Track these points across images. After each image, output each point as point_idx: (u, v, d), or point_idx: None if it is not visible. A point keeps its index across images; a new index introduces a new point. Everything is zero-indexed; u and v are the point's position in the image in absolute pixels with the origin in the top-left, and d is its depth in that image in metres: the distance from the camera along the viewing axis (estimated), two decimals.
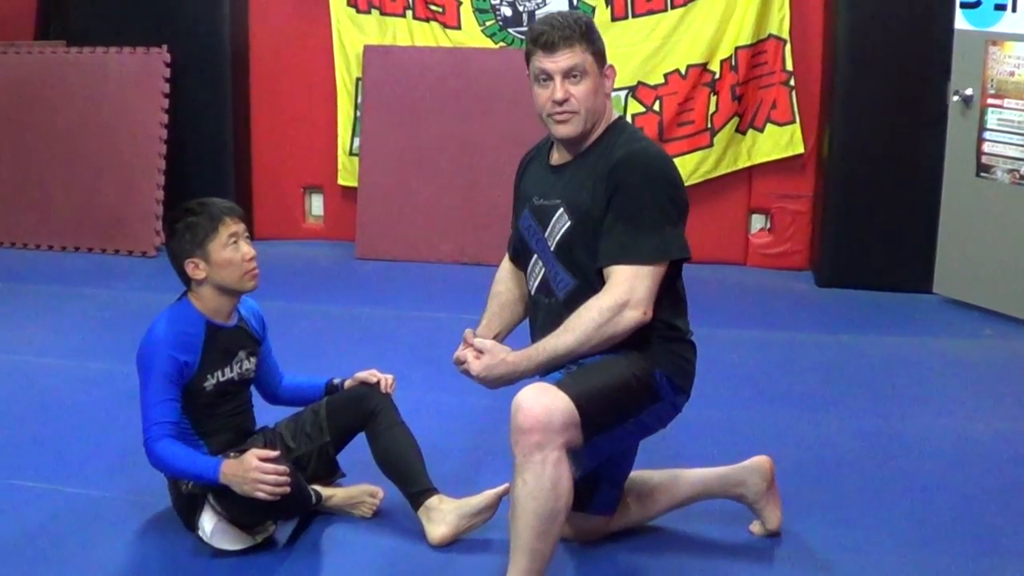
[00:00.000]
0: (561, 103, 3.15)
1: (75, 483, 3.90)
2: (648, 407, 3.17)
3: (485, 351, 3.10)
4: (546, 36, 3.14)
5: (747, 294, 6.71)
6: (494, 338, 3.37)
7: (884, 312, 6.33)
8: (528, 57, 3.22)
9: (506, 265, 3.58)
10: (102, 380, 4.91)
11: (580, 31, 3.15)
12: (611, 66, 3.26)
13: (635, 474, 3.54)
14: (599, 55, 3.20)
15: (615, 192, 3.11)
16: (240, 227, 3.52)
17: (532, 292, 3.36)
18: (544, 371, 3.10)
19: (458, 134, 7.19)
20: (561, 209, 3.21)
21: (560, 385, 3.00)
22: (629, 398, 3.11)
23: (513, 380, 3.10)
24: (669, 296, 3.18)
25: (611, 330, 3.05)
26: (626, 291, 3.06)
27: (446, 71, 7.22)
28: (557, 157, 3.32)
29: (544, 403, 2.93)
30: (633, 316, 3.06)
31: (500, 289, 3.55)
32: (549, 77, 3.17)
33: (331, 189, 7.67)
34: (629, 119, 6.99)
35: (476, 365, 3.09)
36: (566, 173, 3.26)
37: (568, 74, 3.15)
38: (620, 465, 3.44)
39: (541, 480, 2.92)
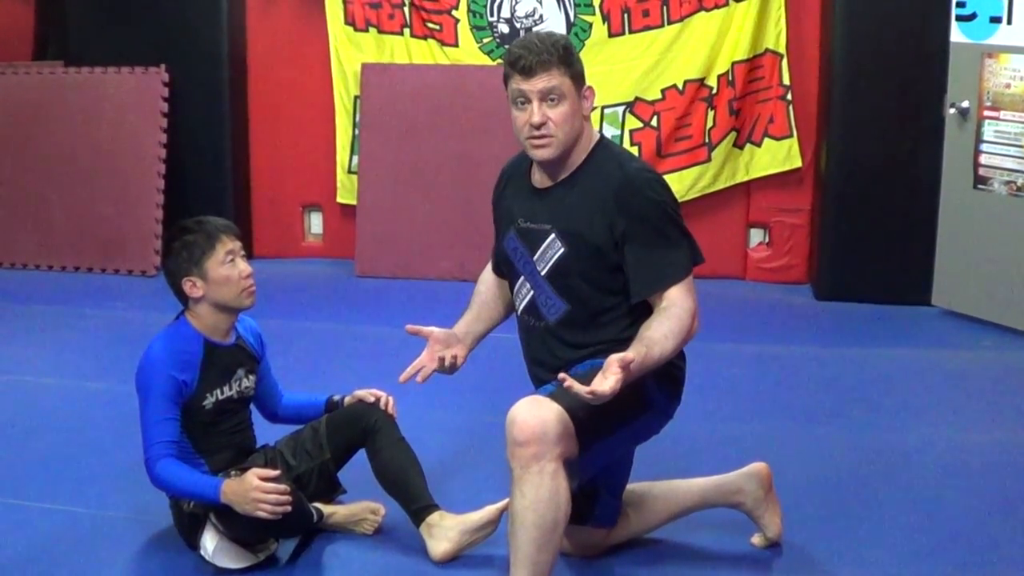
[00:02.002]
0: (539, 127, 3.14)
1: (76, 502, 3.90)
2: (641, 415, 3.18)
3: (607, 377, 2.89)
4: (523, 60, 3.12)
5: (746, 308, 6.71)
6: (471, 340, 3.46)
7: (883, 324, 6.33)
8: (506, 80, 3.20)
9: (490, 274, 3.62)
10: (102, 400, 4.91)
11: (558, 54, 3.14)
12: (590, 87, 3.25)
13: (633, 486, 3.54)
14: (577, 77, 3.19)
15: (630, 221, 3.12)
16: (236, 245, 3.53)
17: (519, 312, 3.37)
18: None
19: (456, 151, 7.21)
20: (553, 235, 3.21)
21: (553, 397, 3.02)
22: (622, 407, 3.11)
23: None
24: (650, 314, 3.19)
25: (688, 337, 3.11)
26: (692, 301, 3.11)
27: (444, 88, 7.23)
28: (539, 179, 3.31)
29: (538, 415, 2.94)
30: (697, 326, 3.13)
31: (481, 289, 3.60)
32: (527, 100, 3.15)
33: (330, 207, 7.68)
34: (627, 135, 7.05)
35: (604, 392, 2.87)
36: (554, 197, 3.26)
37: (545, 97, 3.14)
38: (617, 475, 3.44)
39: (539, 492, 2.93)
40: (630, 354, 2.88)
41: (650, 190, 3.17)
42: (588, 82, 3.26)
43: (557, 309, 3.23)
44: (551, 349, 3.27)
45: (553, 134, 3.15)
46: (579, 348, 3.22)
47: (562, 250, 3.20)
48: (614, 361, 2.85)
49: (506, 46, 7.15)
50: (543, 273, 3.23)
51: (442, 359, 3.38)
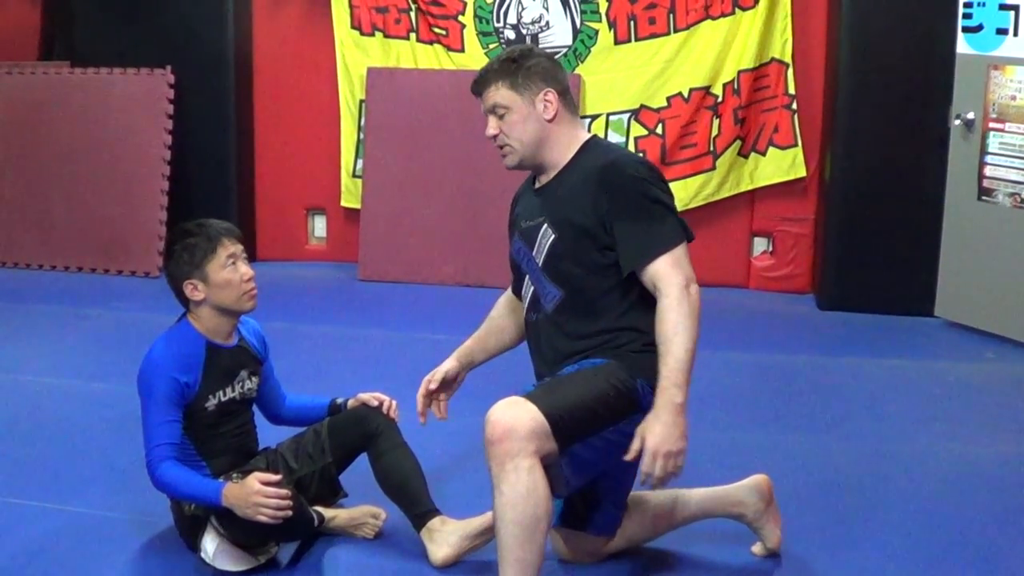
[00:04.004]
0: (493, 138, 3.34)
1: (77, 502, 3.90)
2: (629, 416, 3.17)
3: (646, 438, 3.04)
4: (472, 84, 3.37)
5: (749, 317, 6.71)
6: (468, 364, 3.61)
7: (886, 335, 6.33)
8: None
9: (506, 294, 3.66)
10: (104, 400, 4.91)
11: (495, 69, 3.33)
12: (550, 91, 3.33)
13: (634, 495, 3.53)
14: (523, 85, 3.30)
15: (613, 198, 3.19)
16: (238, 248, 3.53)
17: (525, 312, 3.42)
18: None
19: (461, 156, 7.21)
20: (545, 225, 3.29)
21: (529, 397, 3.05)
22: (605, 407, 3.12)
23: (683, 417, 3.08)
24: (649, 302, 3.21)
25: (695, 310, 3.12)
26: (680, 274, 3.14)
27: (449, 94, 7.23)
28: (537, 182, 3.43)
29: (510, 414, 2.98)
30: (696, 289, 3.16)
31: (492, 315, 3.67)
32: (486, 116, 3.35)
33: (334, 211, 7.69)
34: (632, 142, 7.04)
35: (661, 445, 3.03)
36: (547, 193, 3.35)
37: (493, 111, 3.32)
38: (621, 483, 3.43)
39: (516, 488, 2.95)
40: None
41: (631, 168, 3.25)
42: (583, 87, 3.39)
43: (553, 297, 3.28)
44: (550, 340, 3.31)
45: (507, 143, 3.34)
46: (577, 339, 3.26)
47: (553, 237, 3.26)
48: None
49: None
50: (540, 263, 3.30)
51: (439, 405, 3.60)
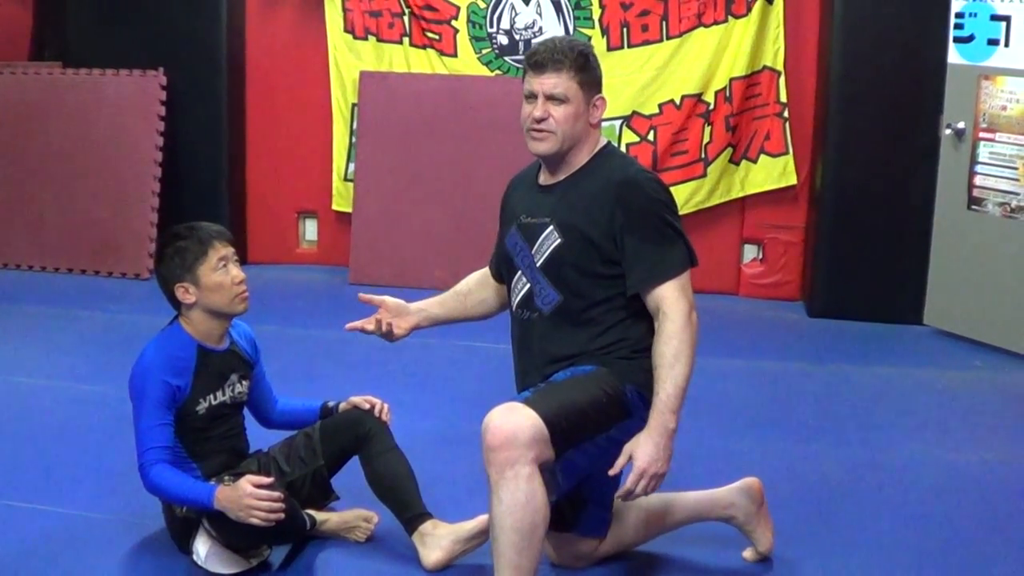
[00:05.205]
0: (539, 121, 3.25)
1: (68, 504, 3.90)
2: (619, 422, 3.19)
3: (636, 455, 3.08)
4: (537, 56, 3.26)
5: (739, 324, 6.72)
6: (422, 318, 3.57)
7: (875, 343, 6.35)
8: (524, 74, 3.33)
9: (482, 271, 3.70)
10: (95, 402, 4.91)
11: (571, 58, 3.24)
12: (602, 98, 3.34)
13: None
14: (588, 84, 3.28)
15: (628, 215, 3.19)
16: (229, 251, 3.53)
17: (514, 307, 3.41)
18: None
19: (453, 161, 7.21)
20: (551, 227, 3.27)
21: (528, 402, 3.06)
22: (599, 413, 3.15)
23: (671, 443, 3.12)
24: (643, 315, 3.23)
25: (695, 339, 3.16)
26: (684, 302, 3.16)
27: (442, 98, 7.24)
28: (545, 178, 3.40)
29: (511, 420, 2.98)
30: (697, 317, 3.18)
31: (461, 284, 3.71)
32: (534, 96, 3.26)
33: (325, 214, 7.69)
34: (623, 149, 7.04)
35: (650, 466, 3.08)
36: (556, 193, 3.33)
37: (551, 96, 3.24)
38: (606, 486, 3.41)
39: (516, 496, 2.97)
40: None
41: (649, 188, 3.25)
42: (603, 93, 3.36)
43: (551, 300, 3.28)
44: (542, 341, 3.30)
45: (552, 130, 3.25)
46: (570, 343, 3.26)
47: (558, 241, 3.25)
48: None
49: (504, 57, 7.19)
50: (539, 264, 3.29)
51: (378, 322, 3.50)
